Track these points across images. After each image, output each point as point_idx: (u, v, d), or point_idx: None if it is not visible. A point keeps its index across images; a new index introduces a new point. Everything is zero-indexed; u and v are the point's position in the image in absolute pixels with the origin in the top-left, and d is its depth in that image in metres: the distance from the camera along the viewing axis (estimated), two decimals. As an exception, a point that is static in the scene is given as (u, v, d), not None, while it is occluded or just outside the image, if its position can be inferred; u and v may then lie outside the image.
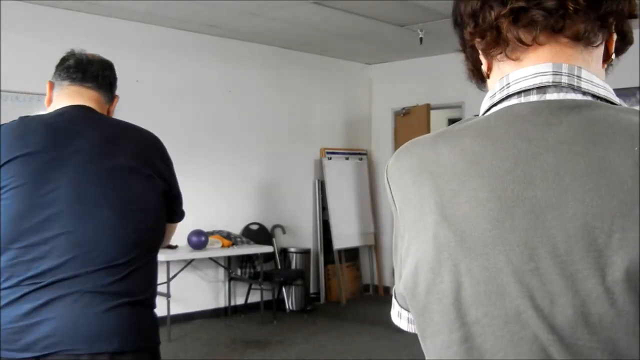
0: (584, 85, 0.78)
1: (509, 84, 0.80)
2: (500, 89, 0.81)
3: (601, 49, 0.81)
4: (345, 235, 7.80)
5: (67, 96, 1.86)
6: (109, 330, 1.68)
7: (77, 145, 1.75)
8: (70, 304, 1.66)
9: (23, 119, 1.85)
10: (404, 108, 7.98)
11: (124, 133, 1.87)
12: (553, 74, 0.78)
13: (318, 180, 7.83)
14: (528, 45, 0.79)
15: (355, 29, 6.57)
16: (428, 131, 7.63)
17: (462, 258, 0.73)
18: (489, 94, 0.83)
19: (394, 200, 0.85)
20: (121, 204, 1.75)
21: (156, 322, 1.87)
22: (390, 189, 0.86)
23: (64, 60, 1.91)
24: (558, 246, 0.68)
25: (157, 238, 1.87)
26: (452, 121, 10.02)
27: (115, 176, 1.76)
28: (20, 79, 5.40)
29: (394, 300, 0.92)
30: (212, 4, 5.66)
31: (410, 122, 7.88)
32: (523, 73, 0.79)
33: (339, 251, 7.76)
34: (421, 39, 6.49)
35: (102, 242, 1.70)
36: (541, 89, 0.78)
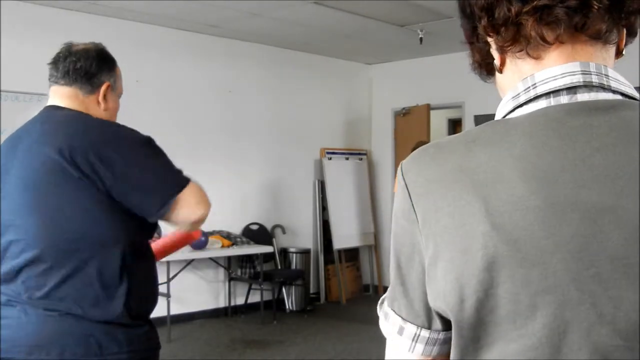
0: (613, 84, 0.77)
1: (535, 84, 0.78)
2: (525, 90, 0.79)
3: (615, 46, 0.81)
4: (345, 235, 7.80)
5: (49, 97, 1.87)
6: (48, 341, 1.66)
7: (19, 152, 1.75)
8: (18, 312, 1.69)
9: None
10: (404, 108, 7.98)
11: (58, 128, 1.74)
12: (582, 74, 0.77)
13: (318, 180, 7.83)
14: (550, 44, 0.78)
15: (355, 29, 6.57)
16: (428, 131, 7.66)
17: (517, 268, 0.70)
18: (510, 95, 0.81)
19: (413, 209, 0.79)
20: (45, 210, 1.68)
21: (128, 339, 1.72)
22: (410, 197, 0.80)
23: None
24: (618, 250, 0.67)
25: (98, 243, 1.68)
26: (452, 121, 10.03)
27: (40, 179, 1.69)
28: (20, 79, 5.40)
29: (394, 314, 0.85)
30: (212, 4, 5.66)
31: (410, 122, 7.88)
32: (550, 73, 0.78)
33: (339, 251, 7.76)
34: (421, 39, 6.49)
35: (36, 250, 1.68)
36: (571, 89, 0.76)
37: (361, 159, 8.25)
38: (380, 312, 0.89)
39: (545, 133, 0.73)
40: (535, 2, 0.76)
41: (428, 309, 0.81)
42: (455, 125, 9.61)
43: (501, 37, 0.80)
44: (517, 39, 0.79)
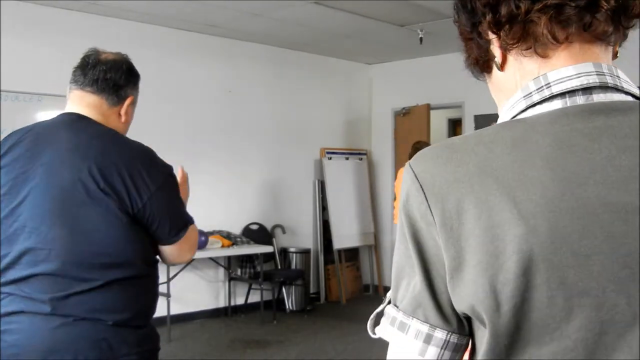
0: (625, 86, 0.78)
1: (549, 83, 0.78)
2: (538, 89, 0.78)
3: (612, 47, 0.82)
4: (345, 235, 7.80)
5: (70, 101, 1.86)
6: (62, 345, 1.67)
7: (45, 157, 1.74)
8: (31, 317, 1.68)
9: (26, 127, 1.86)
10: (404, 108, 7.98)
11: (91, 143, 1.75)
12: (597, 74, 0.77)
13: (318, 180, 7.83)
14: (560, 43, 0.78)
15: (355, 29, 6.57)
16: (428, 131, 7.66)
17: (553, 271, 0.69)
18: (520, 94, 0.80)
19: (430, 212, 0.76)
20: (72, 222, 1.69)
21: (137, 341, 1.76)
22: (426, 199, 0.76)
23: (79, 61, 1.89)
24: None
25: (121, 260, 1.73)
26: (452, 121, 10.01)
27: (69, 192, 1.69)
28: (20, 79, 5.40)
29: (418, 323, 0.79)
30: (212, 4, 5.66)
31: (410, 122, 7.88)
32: (565, 73, 0.77)
33: (339, 251, 7.76)
34: (421, 39, 6.49)
35: (55, 260, 1.69)
36: (587, 89, 0.76)
37: (361, 159, 8.25)
38: (383, 329, 0.84)
39: (569, 133, 0.73)
40: (547, 0, 0.75)
41: (457, 313, 0.78)
42: (455, 125, 9.60)
43: (507, 34, 0.79)
44: (524, 37, 0.78)
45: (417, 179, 0.78)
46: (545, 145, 0.73)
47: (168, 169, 1.83)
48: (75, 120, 1.80)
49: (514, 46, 0.80)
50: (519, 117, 0.79)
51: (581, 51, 0.78)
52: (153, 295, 1.88)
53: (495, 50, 0.83)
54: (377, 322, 0.86)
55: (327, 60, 7.95)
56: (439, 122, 9.14)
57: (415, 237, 0.78)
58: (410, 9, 5.82)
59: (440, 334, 0.79)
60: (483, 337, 0.76)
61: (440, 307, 0.78)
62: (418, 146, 6.15)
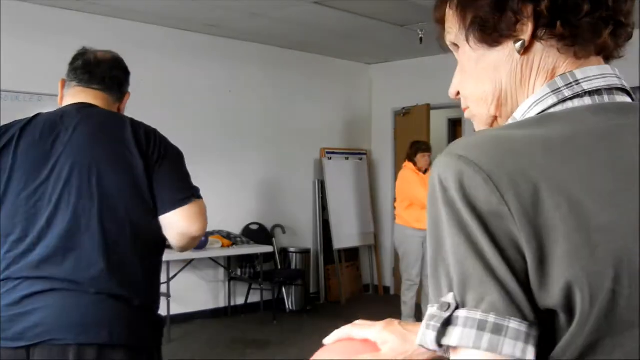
0: (630, 91, 0.84)
1: (577, 81, 0.81)
2: (567, 86, 0.81)
3: None
4: (345, 235, 7.80)
5: (72, 96, 1.90)
6: (97, 321, 1.69)
7: (63, 137, 1.79)
8: (60, 295, 1.70)
9: (34, 116, 1.89)
10: (404, 108, 7.98)
11: (107, 122, 1.84)
12: (616, 77, 0.82)
13: (318, 180, 7.83)
14: (601, 52, 0.84)
15: (355, 29, 6.57)
16: (428, 131, 7.66)
17: (632, 263, 0.70)
18: (547, 90, 0.82)
19: (504, 202, 0.72)
20: (99, 193, 1.74)
21: (153, 324, 1.84)
22: (497, 189, 0.72)
23: (74, 60, 1.94)
24: None
25: (146, 231, 1.80)
26: (452, 121, 10.00)
27: (95, 169, 1.75)
28: (20, 79, 5.41)
29: (518, 323, 0.71)
30: (212, 4, 5.66)
31: (410, 122, 7.88)
32: (589, 72, 0.82)
33: (339, 251, 7.76)
34: (421, 39, 6.49)
35: (81, 236, 1.72)
36: (610, 90, 0.81)
37: (361, 159, 8.25)
38: (465, 336, 0.73)
39: (615, 128, 0.76)
40: (612, 12, 0.80)
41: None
42: (455, 125, 9.61)
43: (559, 27, 0.81)
44: (570, 33, 0.81)
45: (482, 168, 0.73)
46: (598, 138, 0.75)
47: (177, 148, 1.93)
48: (86, 107, 1.87)
49: (556, 38, 0.82)
50: (550, 111, 0.81)
51: (596, 59, 0.84)
52: (159, 281, 1.96)
53: (526, 32, 0.83)
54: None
55: (327, 60, 7.95)
56: (439, 122, 9.14)
57: (487, 231, 0.73)
58: (410, 9, 5.82)
59: (535, 332, 0.73)
60: (561, 331, 0.73)
61: (530, 303, 0.73)
62: (418, 146, 6.13)
